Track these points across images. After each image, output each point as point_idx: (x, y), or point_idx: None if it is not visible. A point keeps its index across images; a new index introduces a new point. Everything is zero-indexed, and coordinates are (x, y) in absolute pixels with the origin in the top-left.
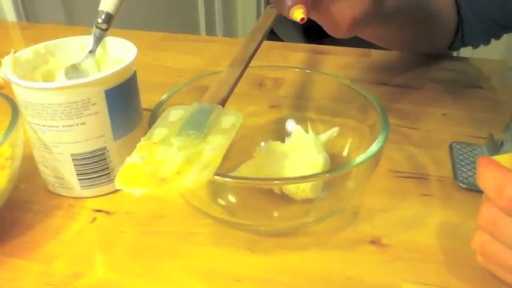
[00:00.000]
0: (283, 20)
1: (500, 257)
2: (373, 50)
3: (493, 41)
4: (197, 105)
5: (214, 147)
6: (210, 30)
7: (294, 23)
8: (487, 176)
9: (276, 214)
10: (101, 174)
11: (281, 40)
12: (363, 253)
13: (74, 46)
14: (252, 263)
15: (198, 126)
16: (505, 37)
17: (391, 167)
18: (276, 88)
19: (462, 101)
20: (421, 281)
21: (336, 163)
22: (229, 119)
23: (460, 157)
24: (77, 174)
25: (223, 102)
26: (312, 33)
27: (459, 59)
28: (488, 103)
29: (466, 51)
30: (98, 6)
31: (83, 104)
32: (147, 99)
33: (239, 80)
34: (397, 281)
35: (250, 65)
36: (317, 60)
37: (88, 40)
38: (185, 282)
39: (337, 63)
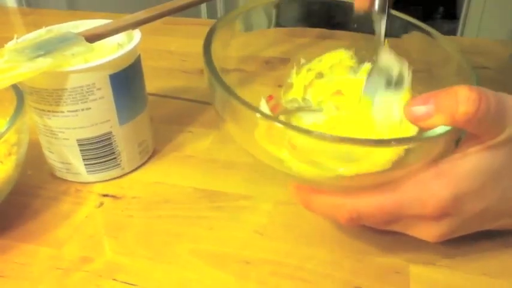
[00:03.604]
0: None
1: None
2: None
3: (498, 21)
4: (66, 32)
5: (31, 66)
6: (211, 14)
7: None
8: (318, 204)
9: None
10: (107, 159)
11: None
12: (369, 238)
13: (77, 31)
14: (261, 246)
15: (45, 47)
16: (509, 17)
17: None
18: None
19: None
20: None
21: None
22: (78, 49)
23: None
24: (83, 160)
25: (94, 37)
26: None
27: (464, 39)
28: (496, 85)
29: (471, 33)
30: None
31: (88, 89)
32: (151, 84)
33: (136, 26)
34: None
35: None
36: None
37: (89, 25)
38: (194, 265)
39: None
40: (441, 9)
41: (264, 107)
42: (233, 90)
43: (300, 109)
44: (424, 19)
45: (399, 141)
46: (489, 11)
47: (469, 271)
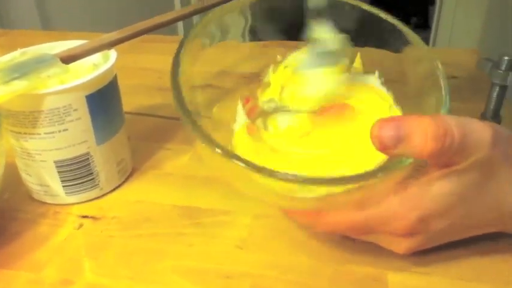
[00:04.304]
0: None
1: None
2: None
3: (467, 30)
4: (42, 54)
5: (6, 89)
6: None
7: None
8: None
9: None
10: (85, 180)
11: None
12: (348, 247)
13: (52, 53)
14: (241, 260)
15: (20, 69)
16: (479, 26)
17: None
18: None
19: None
20: None
21: None
22: (53, 71)
23: None
24: (61, 181)
25: (70, 58)
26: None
27: (434, 50)
28: (464, 92)
29: (442, 42)
30: (73, 8)
31: (64, 110)
32: (129, 102)
33: (111, 46)
34: None
35: None
36: None
37: (65, 46)
38: (176, 283)
39: None
40: (414, 19)
41: (240, 112)
42: (197, 124)
43: (277, 110)
44: None
45: (362, 177)
46: (459, 20)
47: (445, 276)
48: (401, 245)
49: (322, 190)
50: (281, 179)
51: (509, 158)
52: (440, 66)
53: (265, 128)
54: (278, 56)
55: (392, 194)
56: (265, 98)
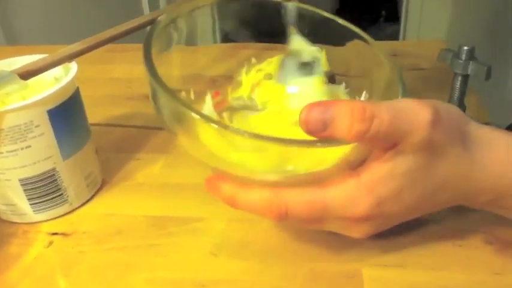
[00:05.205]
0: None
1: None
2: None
3: (436, 21)
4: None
5: None
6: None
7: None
8: (244, 200)
9: None
10: (53, 196)
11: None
12: (321, 246)
13: (12, 68)
14: (216, 267)
15: None
16: (448, 17)
17: None
18: None
19: (406, 82)
20: None
21: None
22: (12, 88)
23: None
24: (28, 199)
25: (29, 74)
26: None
27: (400, 42)
28: (431, 83)
29: (412, 34)
30: (38, 23)
31: (25, 127)
32: (96, 114)
33: (71, 58)
34: None
35: None
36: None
37: (25, 61)
38: None
39: None
40: (383, 12)
41: (209, 102)
42: (175, 94)
43: (244, 107)
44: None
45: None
46: (427, 12)
47: (417, 267)
48: (357, 230)
49: (273, 148)
50: (233, 133)
51: (460, 136)
52: (398, 71)
53: (231, 122)
54: (253, 59)
55: (349, 178)
56: (235, 95)
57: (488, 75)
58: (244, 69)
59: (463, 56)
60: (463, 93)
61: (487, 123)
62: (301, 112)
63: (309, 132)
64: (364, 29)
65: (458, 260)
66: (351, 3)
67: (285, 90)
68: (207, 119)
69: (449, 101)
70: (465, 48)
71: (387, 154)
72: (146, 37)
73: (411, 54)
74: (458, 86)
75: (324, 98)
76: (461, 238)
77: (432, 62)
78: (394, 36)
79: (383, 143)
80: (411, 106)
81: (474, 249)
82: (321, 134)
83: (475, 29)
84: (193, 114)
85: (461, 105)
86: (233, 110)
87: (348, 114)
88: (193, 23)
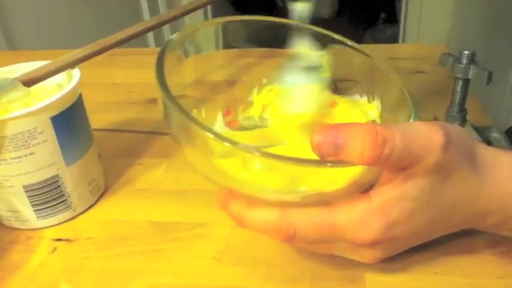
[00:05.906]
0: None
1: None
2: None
3: (436, 27)
4: (2, 78)
5: None
6: (159, 41)
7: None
8: (251, 219)
9: None
10: (56, 202)
11: None
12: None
13: (15, 75)
14: (219, 273)
15: None
16: (448, 20)
17: None
18: None
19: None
20: None
21: None
22: (15, 95)
23: None
24: (32, 206)
25: (32, 81)
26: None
27: (401, 46)
28: (432, 87)
29: (411, 38)
30: (38, 29)
31: (29, 134)
32: (98, 119)
33: (74, 65)
34: None
35: None
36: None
37: (27, 67)
38: None
39: None
40: (383, 14)
41: (220, 120)
42: (188, 112)
43: (256, 127)
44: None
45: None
46: (426, 14)
47: (421, 272)
48: (368, 254)
49: (284, 167)
50: (242, 150)
51: (470, 158)
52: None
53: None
54: (264, 79)
55: (359, 200)
56: (246, 115)
57: (489, 80)
58: (255, 90)
59: (464, 61)
60: (464, 98)
61: (488, 127)
62: (312, 136)
63: (321, 156)
64: (363, 30)
65: (461, 264)
66: (350, 5)
67: (287, 96)
68: (221, 137)
69: (450, 105)
70: (466, 52)
71: (399, 178)
72: (158, 56)
73: (412, 57)
74: (459, 90)
75: (324, 105)
76: (465, 242)
77: (433, 66)
78: (394, 38)
79: (395, 166)
80: (423, 129)
81: (478, 253)
82: (332, 158)
83: (475, 31)
84: (208, 134)
85: (462, 109)
86: (244, 129)
87: (359, 138)
88: (200, 42)
